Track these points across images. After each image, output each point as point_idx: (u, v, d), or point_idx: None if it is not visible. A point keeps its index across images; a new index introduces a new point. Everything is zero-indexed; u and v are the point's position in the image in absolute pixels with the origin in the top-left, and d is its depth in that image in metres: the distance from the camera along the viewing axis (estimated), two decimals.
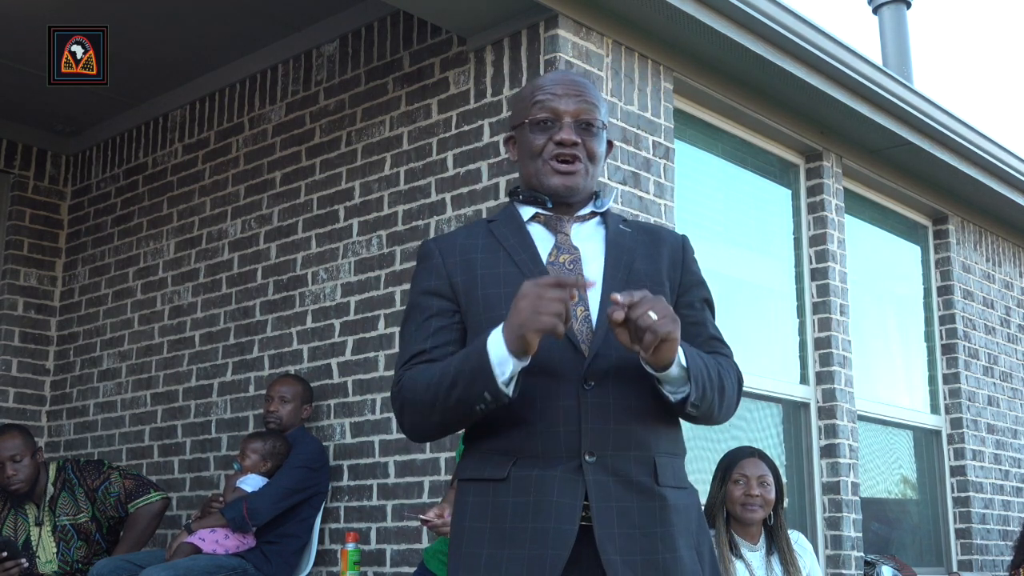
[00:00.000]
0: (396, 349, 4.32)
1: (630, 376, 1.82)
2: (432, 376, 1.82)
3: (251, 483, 4.19)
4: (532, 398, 1.80)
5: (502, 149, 4.10)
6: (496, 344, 1.73)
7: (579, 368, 1.82)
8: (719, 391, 1.88)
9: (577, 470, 1.79)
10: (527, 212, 2.00)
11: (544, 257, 1.93)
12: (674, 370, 1.77)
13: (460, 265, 1.95)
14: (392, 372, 4.28)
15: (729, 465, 3.59)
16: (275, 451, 4.26)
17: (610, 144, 2.07)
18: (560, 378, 1.82)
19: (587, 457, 1.79)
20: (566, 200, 1.98)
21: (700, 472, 4.42)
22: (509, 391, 1.75)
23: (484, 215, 4.10)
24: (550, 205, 1.98)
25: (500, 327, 1.74)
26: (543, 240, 1.96)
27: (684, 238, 2.12)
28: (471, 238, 2.00)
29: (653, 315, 1.68)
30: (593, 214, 2.02)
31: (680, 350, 1.78)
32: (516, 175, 4.03)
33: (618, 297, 1.70)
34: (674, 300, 1.97)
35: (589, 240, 1.98)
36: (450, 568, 1.86)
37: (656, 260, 1.99)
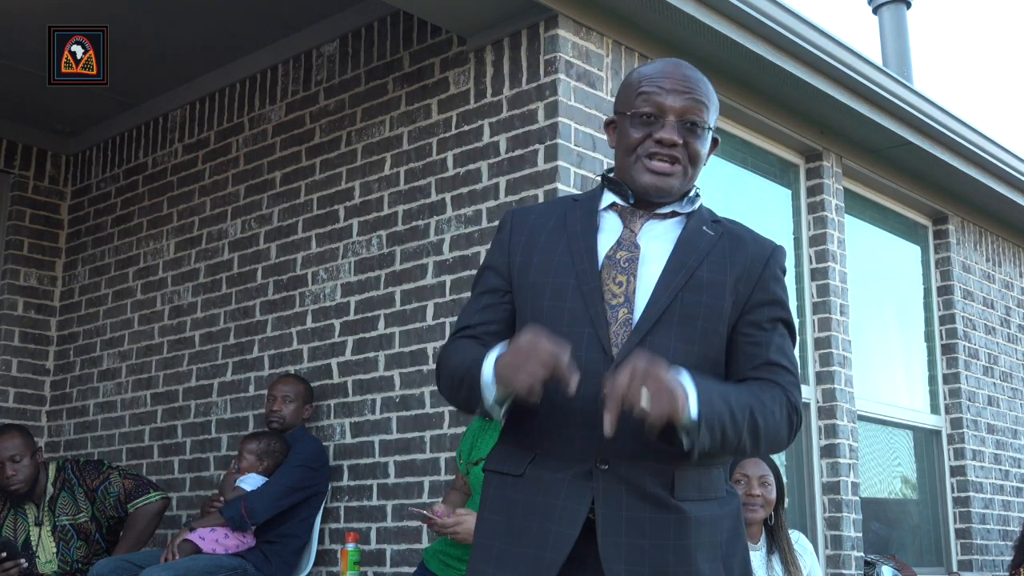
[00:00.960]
0: (396, 349, 4.35)
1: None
2: (457, 365, 1.86)
3: (251, 482, 4.19)
4: (555, 395, 1.74)
5: (493, 132, 4.10)
6: (489, 367, 1.75)
7: (603, 370, 1.74)
8: (750, 431, 1.75)
9: (587, 476, 1.76)
10: (608, 199, 1.94)
11: (604, 250, 1.86)
12: (686, 420, 1.66)
13: (524, 244, 1.93)
14: (392, 372, 4.30)
15: (730, 465, 3.59)
16: (271, 450, 4.26)
17: (715, 142, 1.98)
18: (585, 380, 1.73)
19: (600, 464, 1.75)
20: (654, 200, 1.90)
21: None
22: (498, 412, 1.77)
23: (484, 215, 4.10)
24: (632, 200, 1.90)
25: (499, 349, 1.76)
26: (612, 231, 1.89)
27: (774, 250, 1.95)
28: (546, 216, 1.97)
29: (644, 400, 1.60)
30: (674, 213, 1.93)
31: (694, 399, 1.66)
32: (517, 175, 4.03)
33: (607, 418, 1.64)
34: (737, 316, 1.85)
35: (659, 239, 1.89)
36: (472, 555, 1.89)
37: (726, 270, 1.85)
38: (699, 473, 1.81)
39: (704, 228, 1.91)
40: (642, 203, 1.91)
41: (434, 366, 3.27)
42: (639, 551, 1.73)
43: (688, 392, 1.66)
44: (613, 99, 3.90)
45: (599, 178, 2.00)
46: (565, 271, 1.84)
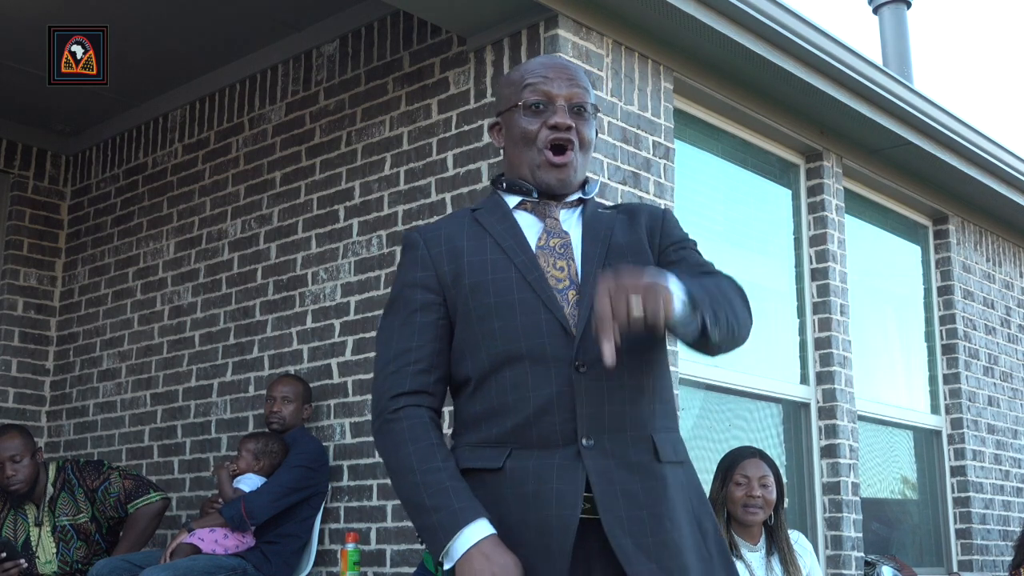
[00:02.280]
0: None
1: (621, 354, 1.70)
2: (410, 467, 1.77)
3: (248, 482, 4.19)
4: (524, 385, 1.78)
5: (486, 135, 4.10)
6: (459, 547, 1.69)
7: (569, 351, 1.78)
8: (728, 306, 1.83)
9: (576, 456, 1.76)
10: (512, 200, 1.96)
11: (533, 243, 1.90)
12: (677, 306, 1.66)
13: (446, 254, 1.89)
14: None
15: (730, 466, 3.59)
16: (268, 451, 4.25)
17: (595, 134, 2.05)
18: (550, 363, 1.78)
19: (584, 442, 1.76)
20: (557, 193, 1.96)
21: (700, 472, 4.40)
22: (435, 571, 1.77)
23: None
24: (535, 196, 1.95)
25: (475, 530, 1.70)
26: (530, 227, 1.94)
27: (665, 209, 2.09)
28: (455, 226, 1.94)
29: (636, 308, 1.59)
30: (580, 201, 1.99)
31: (675, 285, 1.68)
32: None
33: (605, 347, 1.59)
34: (657, 260, 1.95)
35: (574, 226, 1.96)
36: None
37: (636, 231, 1.96)
38: (670, 436, 1.88)
39: (599, 209, 2.01)
40: (546, 195, 1.97)
41: None
42: (639, 523, 1.74)
43: (666, 279, 1.66)
44: (610, 99, 3.87)
45: (490, 186, 2.01)
46: (503, 267, 1.85)
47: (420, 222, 4.32)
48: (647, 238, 1.96)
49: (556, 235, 1.92)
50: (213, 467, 4.86)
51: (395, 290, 1.93)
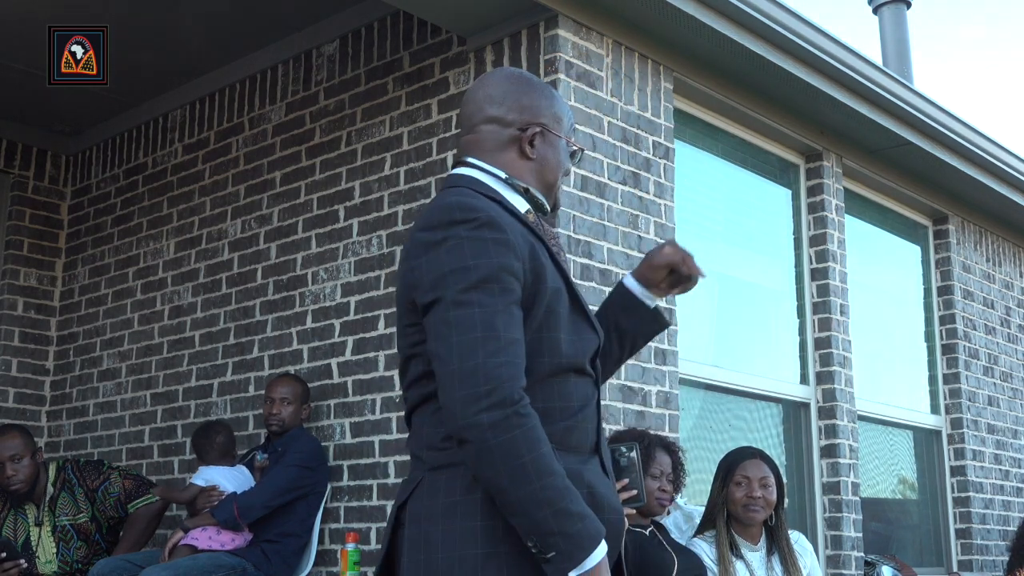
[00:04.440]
0: (396, 349, 4.31)
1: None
2: (550, 469, 1.65)
3: (205, 475, 4.26)
4: (570, 394, 1.83)
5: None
6: (591, 560, 1.65)
7: (593, 368, 1.91)
8: None
9: (601, 465, 1.86)
10: (522, 207, 1.92)
11: None
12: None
13: (527, 249, 1.79)
14: (392, 372, 4.28)
15: (731, 466, 3.59)
16: (208, 442, 4.38)
17: None
18: (588, 377, 1.88)
19: (602, 453, 1.88)
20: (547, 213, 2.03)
21: (701, 472, 4.42)
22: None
23: None
24: (546, 211, 2.00)
25: (603, 554, 1.67)
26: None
27: None
28: (509, 218, 1.84)
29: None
30: None
31: None
32: None
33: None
34: None
35: None
36: (508, 564, 1.71)
37: None
38: None
39: None
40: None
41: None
42: (622, 530, 1.91)
43: None
44: (611, 99, 3.85)
45: (505, 182, 1.92)
46: (556, 276, 1.85)
47: None
48: None
49: (564, 254, 1.98)
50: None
51: (488, 270, 1.71)
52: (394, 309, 4.28)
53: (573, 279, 1.93)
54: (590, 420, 1.85)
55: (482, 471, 1.65)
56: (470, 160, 1.96)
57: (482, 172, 1.93)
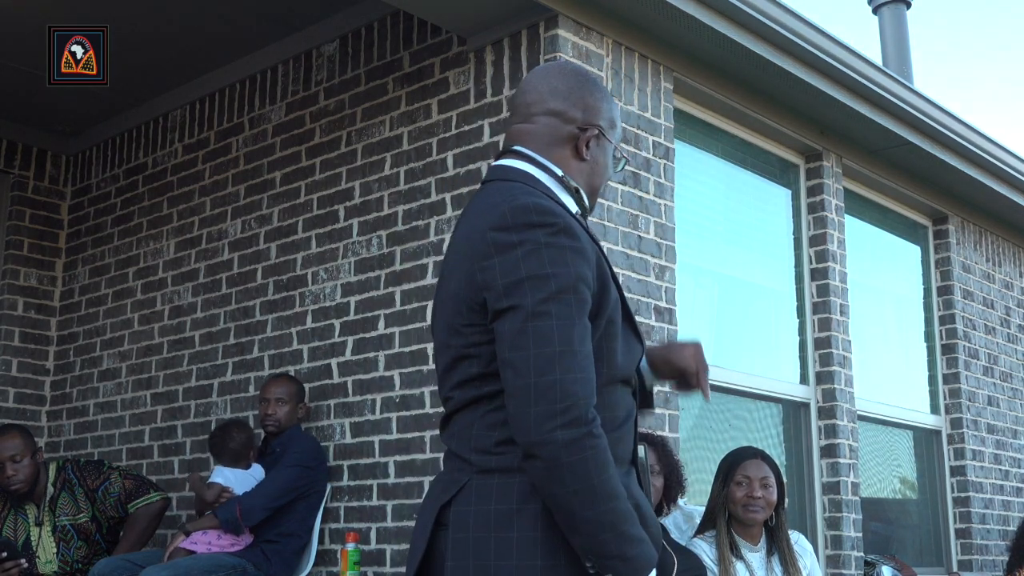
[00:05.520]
0: (396, 349, 4.34)
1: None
2: (615, 492, 1.65)
3: (223, 476, 4.23)
4: (618, 405, 1.81)
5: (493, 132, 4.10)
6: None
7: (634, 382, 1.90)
8: None
9: (637, 479, 1.86)
10: (572, 207, 1.88)
11: None
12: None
13: (595, 256, 1.76)
14: (392, 372, 4.29)
15: (731, 466, 3.59)
16: (226, 440, 4.34)
17: None
18: (630, 387, 1.88)
19: (638, 466, 1.88)
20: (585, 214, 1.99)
21: (701, 472, 4.43)
22: None
23: None
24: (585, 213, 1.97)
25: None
26: None
27: None
28: (571, 218, 1.80)
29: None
30: None
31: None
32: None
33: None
34: None
35: None
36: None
37: None
38: None
39: None
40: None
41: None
42: (660, 543, 1.89)
43: None
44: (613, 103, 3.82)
45: (560, 180, 1.89)
46: (614, 287, 1.82)
47: (420, 223, 4.31)
48: None
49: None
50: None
51: (567, 280, 1.68)
52: (393, 309, 4.32)
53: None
54: (631, 432, 1.84)
55: (551, 488, 1.63)
56: (523, 151, 1.90)
57: (535, 167, 1.87)
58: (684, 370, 2.01)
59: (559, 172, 1.88)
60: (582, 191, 1.90)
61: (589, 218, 2.00)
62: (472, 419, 1.76)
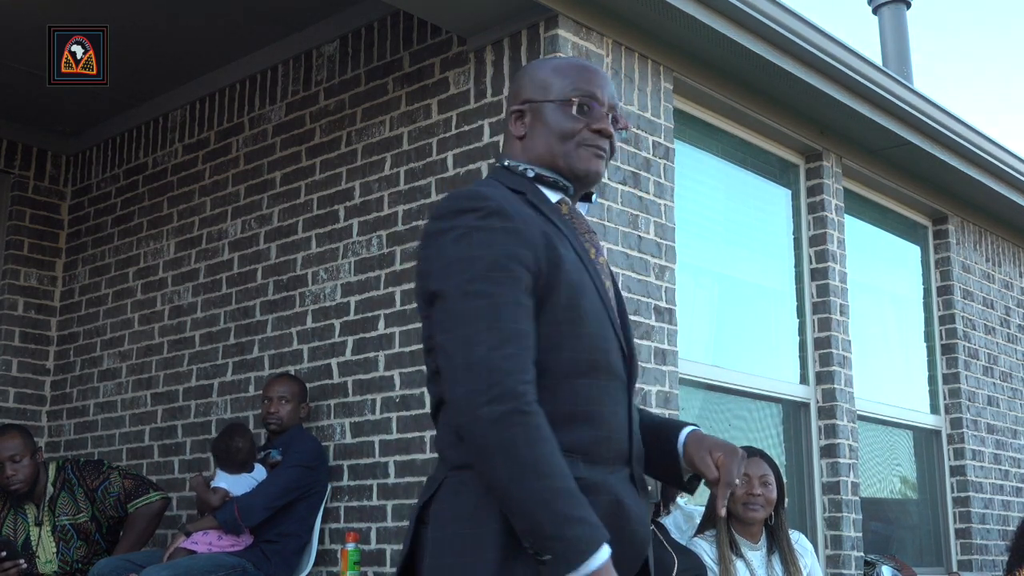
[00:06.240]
0: (396, 349, 4.33)
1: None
2: (549, 470, 1.57)
3: (226, 481, 4.22)
4: (600, 399, 1.73)
5: (493, 132, 4.10)
6: (595, 563, 1.55)
7: (624, 373, 1.79)
8: None
9: (630, 478, 1.78)
10: (553, 197, 1.84)
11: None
12: None
13: (540, 237, 1.70)
14: (392, 372, 4.29)
15: None
16: (232, 449, 4.29)
17: None
18: (618, 381, 1.77)
19: (635, 465, 1.80)
20: (587, 188, 1.89)
21: None
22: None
23: None
24: (572, 192, 1.86)
25: (606, 558, 1.56)
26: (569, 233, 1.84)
27: None
28: (526, 209, 1.75)
29: (737, 480, 1.79)
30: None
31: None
32: None
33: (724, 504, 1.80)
34: None
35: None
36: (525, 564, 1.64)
37: None
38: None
39: None
40: (573, 199, 1.88)
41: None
42: (648, 541, 1.83)
43: None
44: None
45: (521, 174, 1.85)
46: (582, 271, 1.75)
47: (420, 223, 4.31)
48: None
49: (601, 252, 1.87)
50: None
51: (493, 256, 1.65)
52: (393, 309, 4.32)
53: (611, 281, 1.86)
54: (620, 429, 1.75)
55: (483, 468, 1.59)
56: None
57: (502, 170, 1.88)
58: (704, 475, 1.82)
59: (506, 163, 1.87)
60: (541, 171, 1.84)
61: (591, 217, 1.97)
62: (446, 415, 1.75)
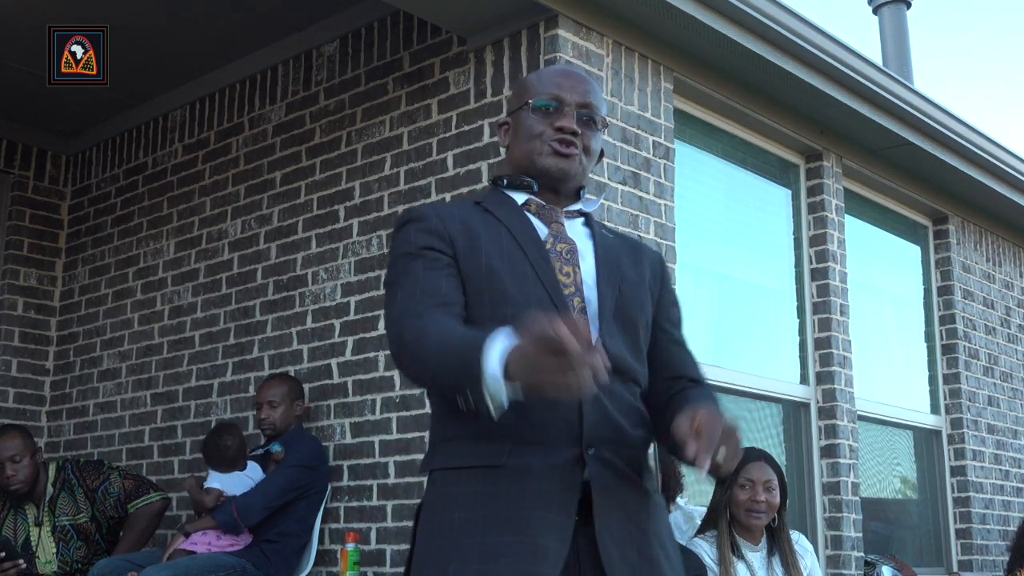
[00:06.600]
0: None
1: (624, 374, 1.84)
2: (444, 341, 1.68)
3: (219, 481, 4.21)
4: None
5: (493, 132, 4.10)
6: (494, 359, 1.56)
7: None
8: None
9: (578, 461, 1.76)
10: (519, 198, 1.96)
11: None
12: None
13: (461, 232, 1.86)
14: (392, 372, 4.28)
15: (736, 468, 3.57)
16: (221, 447, 4.28)
17: (601, 154, 2.06)
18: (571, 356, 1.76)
19: (589, 450, 1.76)
20: (556, 184, 1.95)
21: None
22: (494, 410, 1.59)
23: None
24: (536, 188, 1.95)
25: (504, 343, 1.56)
26: (539, 227, 1.93)
27: (661, 255, 2.17)
28: (466, 211, 1.93)
29: (722, 456, 1.67)
30: (579, 213, 2.00)
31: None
32: None
33: (703, 458, 1.64)
34: (654, 311, 2.00)
35: (579, 236, 1.96)
36: (430, 560, 1.74)
37: (640, 270, 1.99)
38: (649, 462, 1.93)
39: (604, 231, 2.03)
40: (546, 194, 1.96)
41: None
42: (629, 536, 1.78)
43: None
44: (610, 99, 3.88)
45: (490, 184, 2.01)
46: (518, 259, 1.84)
47: None
48: (649, 282, 2.00)
49: (562, 240, 1.92)
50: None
51: (406, 250, 1.86)
52: None
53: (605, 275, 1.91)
54: (562, 412, 1.73)
55: (421, 385, 1.88)
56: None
57: (490, 185, 2.04)
58: (680, 440, 1.69)
59: (495, 176, 2.02)
60: (510, 176, 1.98)
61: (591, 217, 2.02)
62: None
